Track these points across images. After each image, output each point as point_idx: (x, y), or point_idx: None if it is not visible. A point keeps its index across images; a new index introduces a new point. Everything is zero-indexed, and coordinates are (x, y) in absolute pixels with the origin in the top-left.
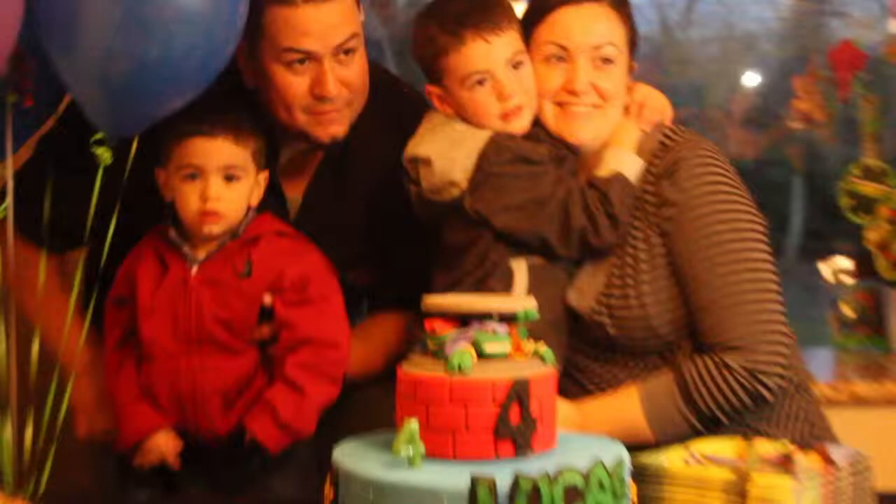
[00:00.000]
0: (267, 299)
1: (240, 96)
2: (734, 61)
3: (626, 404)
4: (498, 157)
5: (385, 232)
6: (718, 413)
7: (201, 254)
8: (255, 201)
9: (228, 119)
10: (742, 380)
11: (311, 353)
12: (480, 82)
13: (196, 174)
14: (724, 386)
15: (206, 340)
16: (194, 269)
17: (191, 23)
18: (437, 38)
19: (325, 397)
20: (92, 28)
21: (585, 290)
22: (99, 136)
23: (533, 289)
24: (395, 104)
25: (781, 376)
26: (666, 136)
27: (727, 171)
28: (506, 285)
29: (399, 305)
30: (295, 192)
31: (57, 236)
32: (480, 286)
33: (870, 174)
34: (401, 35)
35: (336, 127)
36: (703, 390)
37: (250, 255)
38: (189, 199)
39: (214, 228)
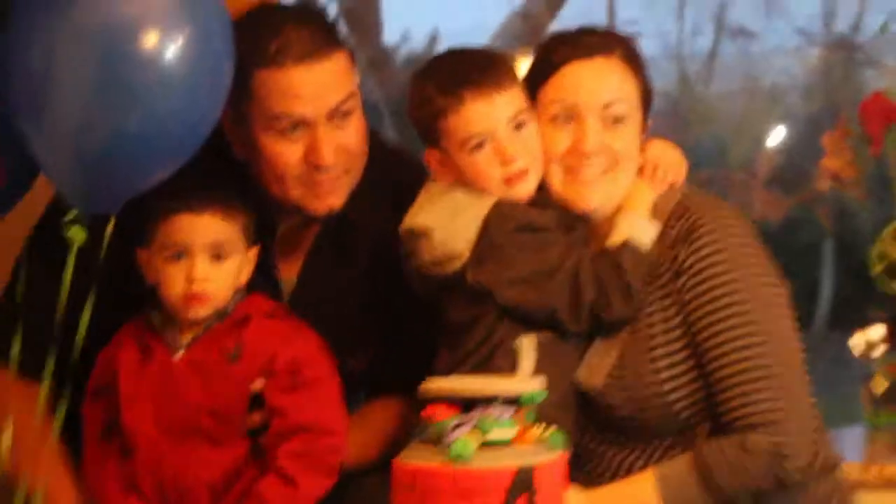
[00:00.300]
0: (257, 384)
1: (228, 167)
2: (758, 117)
3: (641, 490)
4: (503, 225)
5: (386, 312)
6: (740, 497)
7: (186, 338)
8: (244, 279)
9: (216, 193)
10: (767, 461)
11: (304, 442)
12: (481, 145)
13: (181, 254)
14: (746, 468)
15: (192, 430)
16: (179, 355)
17: (173, 87)
18: (435, 98)
19: (320, 489)
20: (64, 94)
21: (596, 368)
22: (72, 215)
23: (541, 367)
24: (394, 172)
25: (808, 457)
26: (683, 197)
27: (748, 236)
28: (512, 364)
29: (400, 390)
30: (289, 272)
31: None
32: (485, 366)
33: None
34: (399, 97)
35: (333, 198)
36: (725, 473)
37: (240, 337)
38: (174, 280)
39: (201, 311)
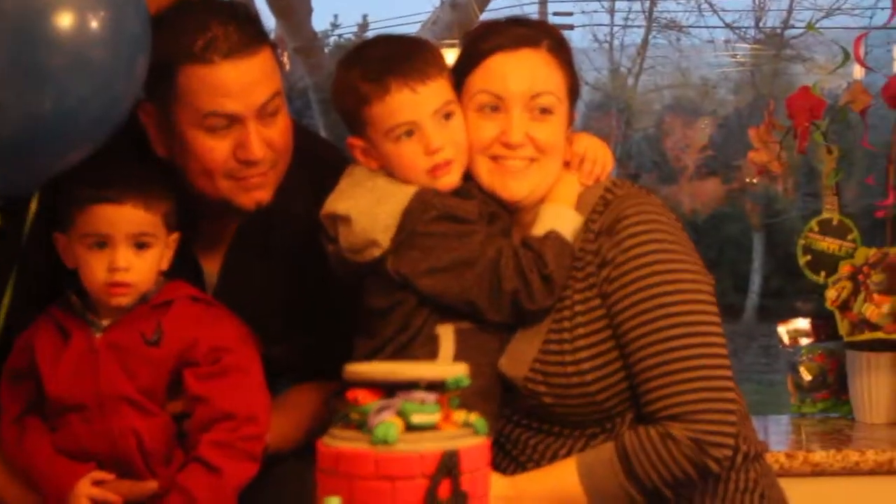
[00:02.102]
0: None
1: (147, 151)
2: (688, 110)
3: (564, 477)
4: (423, 214)
5: (308, 301)
6: (662, 487)
7: (106, 321)
8: (165, 265)
9: (137, 182)
10: (688, 451)
11: (227, 430)
12: (406, 135)
13: (103, 243)
14: (668, 458)
15: (120, 401)
16: (98, 336)
17: (86, 72)
18: (359, 86)
19: (244, 476)
20: None
21: (519, 357)
22: None
23: (461, 355)
24: (313, 161)
25: (729, 447)
26: (607, 190)
27: (672, 228)
28: (431, 352)
29: (323, 377)
30: (211, 265)
31: None
32: (403, 353)
33: (830, 230)
34: (327, 84)
35: (261, 192)
36: (646, 462)
37: (161, 321)
38: (95, 268)
39: (124, 300)
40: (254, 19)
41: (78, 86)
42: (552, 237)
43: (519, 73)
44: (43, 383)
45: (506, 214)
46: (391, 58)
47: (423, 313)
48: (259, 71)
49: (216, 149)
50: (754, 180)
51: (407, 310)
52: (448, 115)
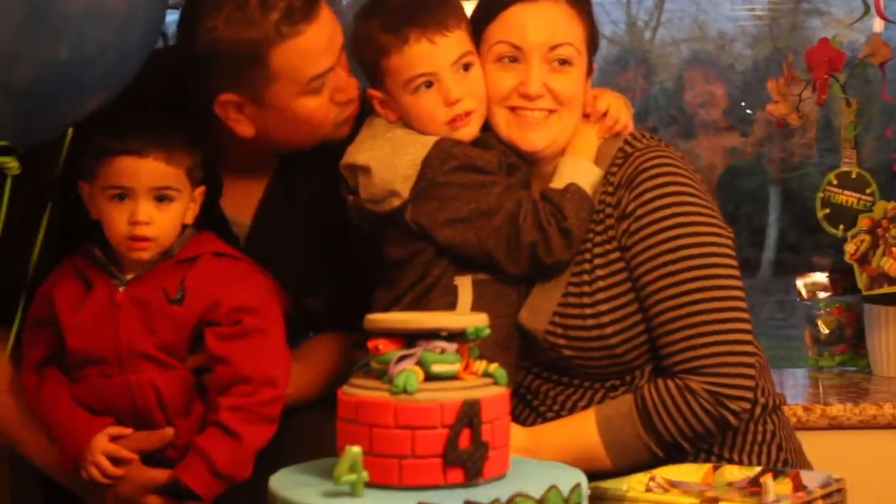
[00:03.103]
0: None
1: (176, 108)
2: (706, 63)
3: (582, 429)
4: (442, 165)
5: (338, 253)
6: (681, 439)
7: (129, 274)
8: (190, 219)
9: (159, 134)
10: (706, 404)
11: (245, 394)
12: (426, 86)
13: (125, 195)
14: (686, 410)
15: (138, 356)
16: (121, 290)
17: (104, 19)
18: (378, 37)
19: (262, 438)
20: None
21: (539, 309)
22: (4, 143)
23: (479, 306)
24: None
25: (747, 400)
26: (627, 142)
27: (692, 180)
28: (449, 303)
29: (343, 327)
30: (244, 216)
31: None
32: (421, 303)
33: (848, 183)
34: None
35: (345, 127)
36: (665, 415)
37: (184, 278)
38: (116, 221)
39: (144, 254)
40: None
41: (95, 32)
42: (572, 190)
43: (538, 23)
44: (63, 334)
45: (524, 165)
46: (410, 8)
47: (442, 264)
48: (331, 22)
49: (322, 105)
50: (771, 132)
51: (425, 260)
52: (467, 66)
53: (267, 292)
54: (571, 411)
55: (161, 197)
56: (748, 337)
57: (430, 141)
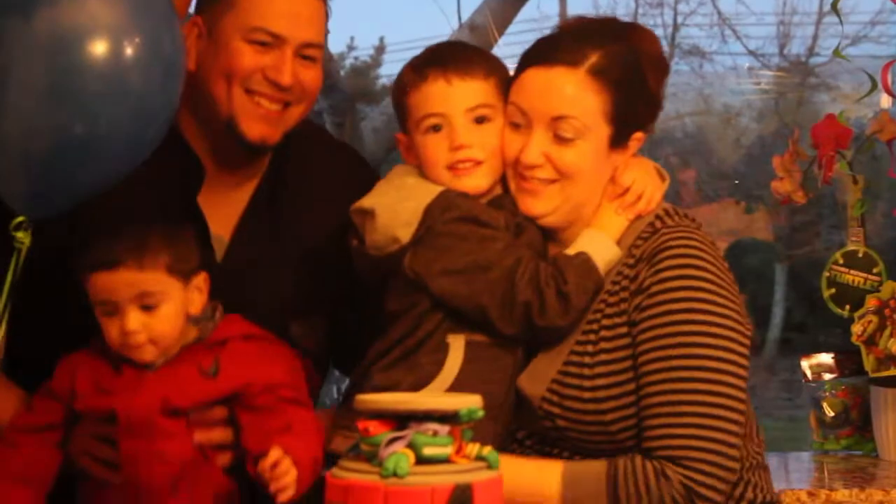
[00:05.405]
0: None
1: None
2: (711, 137)
3: (545, 476)
4: (444, 213)
5: (321, 283)
6: None
7: (160, 360)
8: (194, 310)
9: (127, 240)
10: (677, 495)
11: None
12: (434, 129)
13: (111, 311)
14: (656, 495)
15: (147, 426)
16: (151, 374)
17: (121, 97)
18: (405, 76)
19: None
20: (12, 100)
21: (539, 375)
22: (20, 219)
23: (469, 369)
24: (333, 155)
25: (721, 494)
26: (658, 217)
27: (716, 267)
28: (437, 360)
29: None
30: (223, 230)
31: None
32: (409, 359)
33: (855, 262)
34: (343, 106)
35: (269, 128)
36: (633, 492)
37: (218, 357)
38: (111, 333)
39: (146, 356)
40: None
41: (112, 110)
42: (580, 258)
43: (544, 91)
44: (75, 402)
45: (534, 228)
46: (442, 52)
47: (436, 319)
48: (314, 10)
49: (249, 57)
50: (777, 210)
51: (419, 313)
52: (482, 119)
53: (295, 367)
54: None
55: (146, 305)
56: (734, 438)
57: (437, 190)
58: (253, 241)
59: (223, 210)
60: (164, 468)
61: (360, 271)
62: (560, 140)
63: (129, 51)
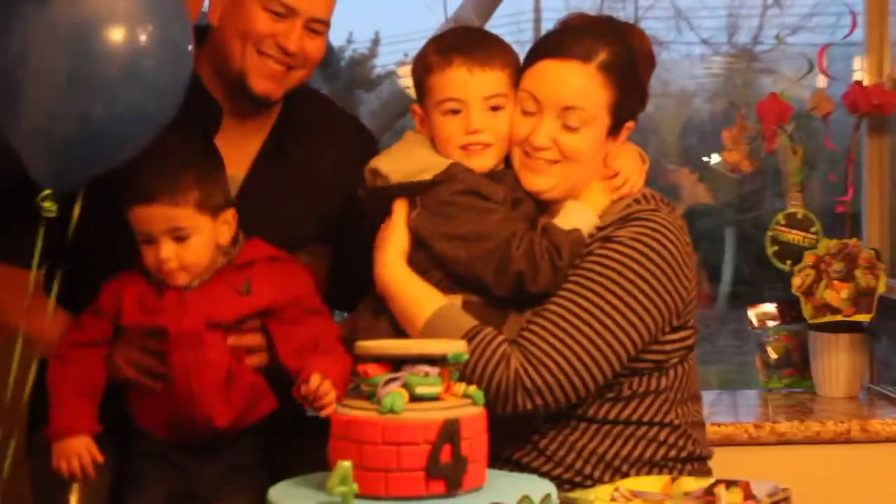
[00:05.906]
0: None
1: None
2: (669, 115)
3: (422, 304)
4: (451, 185)
5: (328, 212)
6: (473, 381)
7: (195, 281)
8: (223, 240)
9: (162, 179)
10: (506, 379)
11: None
12: (453, 111)
13: (148, 240)
14: (491, 365)
15: (194, 339)
16: (189, 293)
17: (137, 80)
18: (429, 56)
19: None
20: (36, 86)
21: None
22: (47, 192)
23: None
24: (333, 114)
25: (535, 409)
26: (636, 201)
27: (675, 246)
28: None
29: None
30: (237, 169)
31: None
32: None
33: (795, 223)
34: (343, 97)
35: (273, 86)
36: (477, 356)
37: (248, 277)
38: (148, 259)
39: (179, 281)
40: None
41: (128, 93)
42: (575, 235)
43: (558, 83)
44: (122, 318)
45: (531, 202)
46: (465, 39)
47: (435, 278)
48: None
49: (263, 23)
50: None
51: (419, 271)
52: (496, 108)
53: (314, 285)
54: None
55: (178, 237)
56: (587, 375)
57: (445, 163)
58: (264, 180)
59: (237, 152)
60: (211, 374)
61: (367, 229)
62: (567, 128)
63: (142, 38)
